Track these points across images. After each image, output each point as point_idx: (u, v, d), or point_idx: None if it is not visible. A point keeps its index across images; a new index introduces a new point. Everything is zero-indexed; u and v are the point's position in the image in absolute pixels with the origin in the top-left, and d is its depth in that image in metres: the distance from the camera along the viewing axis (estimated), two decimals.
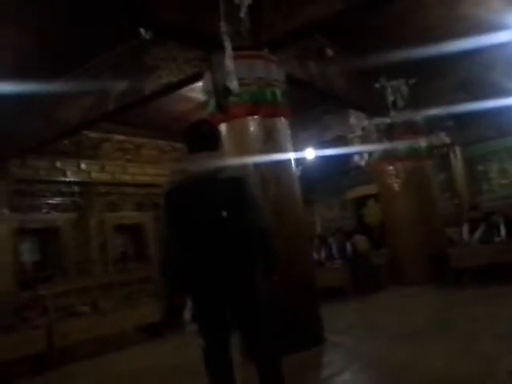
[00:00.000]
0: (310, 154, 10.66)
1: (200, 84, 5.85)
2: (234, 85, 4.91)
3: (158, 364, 5.69)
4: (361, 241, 9.89)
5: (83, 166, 9.39)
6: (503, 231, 7.91)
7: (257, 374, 2.73)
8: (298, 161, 6.80)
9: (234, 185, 2.68)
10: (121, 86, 6.42)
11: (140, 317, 7.32)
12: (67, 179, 9.12)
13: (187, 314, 3.32)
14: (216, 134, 2.97)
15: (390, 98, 8.72)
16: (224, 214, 2.63)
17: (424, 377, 3.42)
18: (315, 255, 8.88)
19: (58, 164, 8.96)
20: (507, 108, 8.79)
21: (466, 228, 8.41)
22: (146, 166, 10.60)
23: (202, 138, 2.82)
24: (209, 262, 2.62)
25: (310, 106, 8.83)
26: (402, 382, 3.36)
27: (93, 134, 9.39)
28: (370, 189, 11.19)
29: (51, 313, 6.79)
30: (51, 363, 6.09)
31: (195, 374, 4.41)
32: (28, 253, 8.92)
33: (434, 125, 9.40)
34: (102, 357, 6.41)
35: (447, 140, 9.71)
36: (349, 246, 9.32)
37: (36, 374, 5.86)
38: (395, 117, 8.88)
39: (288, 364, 2.80)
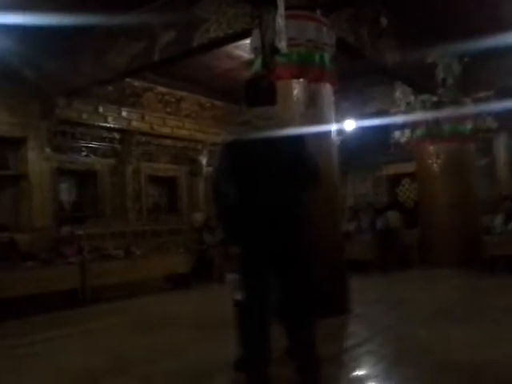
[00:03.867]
0: (349, 125, 10.49)
1: (246, 42, 5.78)
2: (282, 44, 4.82)
3: (185, 311, 5.86)
4: (394, 217, 9.73)
5: (124, 113, 9.49)
6: None
7: (288, 336, 2.71)
8: (338, 131, 6.72)
9: (295, 140, 2.75)
10: (168, 36, 6.41)
11: (169, 266, 7.53)
12: (108, 125, 9.25)
13: (227, 265, 3.42)
14: (275, 89, 2.99)
15: (441, 75, 8.44)
16: (285, 168, 2.67)
17: (446, 358, 3.38)
18: (345, 227, 8.88)
19: (101, 109, 9.08)
20: None
21: (500, 217, 8.23)
22: (185, 120, 10.64)
23: (263, 92, 2.86)
24: (266, 216, 2.63)
25: (354, 76, 8.62)
26: (424, 362, 3.34)
27: (136, 83, 9.46)
28: (408, 167, 10.99)
29: (85, 252, 7.06)
30: (83, 300, 6.37)
31: (223, 324, 4.59)
32: (66, 193, 9.18)
33: (481, 107, 9.07)
34: (131, 300, 6.66)
35: (494, 124, 9.37)
36: (380, 221, 9.26)
37: (68, 309, 6.13)
38: (443, 95, 8.61)
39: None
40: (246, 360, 2.77)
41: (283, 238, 2.66)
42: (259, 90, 2.88)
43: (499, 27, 6.29)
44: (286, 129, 2.74)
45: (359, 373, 3.21)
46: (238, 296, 3.31)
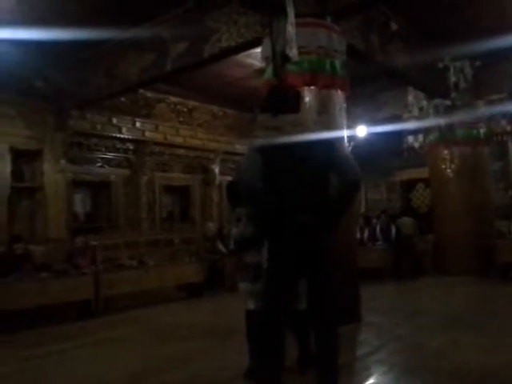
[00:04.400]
0: (361, 131, 10.45)
1: (257, 50, 5.81)
2: (293, 52, 4.83)
3: (197, 321, 5.87)
4: (407, 223, 9.62)
5: (138, 124, 9.59)
6: None
7: (315, 341, 2.71)
8: (350, 137, 6.69)
9: (327, 143, 2.78)
10: (180, 47, 6.48)
11: (182, 276, 7.54)
12: (122, 136, 9.35)
13: (239, 274, 3.41)
14: (300, 98, 3.03)
15: (453, 79, 8.38)
16: (317, 172, 2.70)
17: (457, 366, 3.38)
18: (358, 234, 8.81)
19: (115, 120, 9.20)
20: None
21: None
22: (198, 130, 10.72)
23: (289, 101, 2.90)
24: (297, 220, 2.63)
25: (366, 82, 8.61)
26: (435, 370, 3.33)
27: (149, 94, 9.57)
28: (421, 172, 10.89)
29: (99, 263, 7.11)
30: (96, 311, 6.39)
31: (234, 333, 4.59)
32: (80, 204, 9.28)
33: (494, 110, 8.97)
34: (143, 309, 6.68)
35: (508, 128, 9.26)
36: (393, 229, 9.18)
37: (81, 319, 6.16)
38: (456, 99, 8.54)
39: None
40: (261, 368, 2.76)
41: (313, 245, 2.67)
42: (286, 99, 2.91)
43: (510, 29, 6.23)
44: (315, 135, 2.78)
45: (370, 382, 3.20)
46: (251, 305, 3.30)
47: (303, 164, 2.67)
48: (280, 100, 2.93)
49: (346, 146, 5.63)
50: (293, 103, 2.90)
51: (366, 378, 3.28)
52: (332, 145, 2.81)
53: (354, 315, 5.09)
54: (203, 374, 3.55)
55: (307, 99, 5.21)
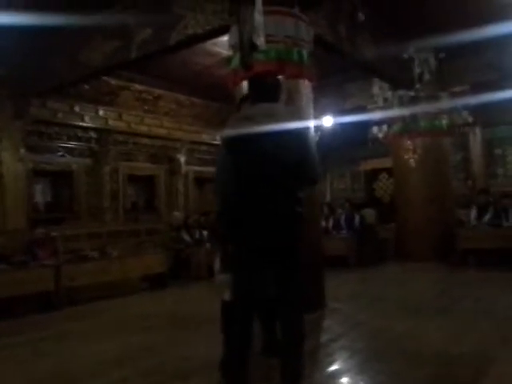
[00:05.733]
0: (327, 121, 10.53)
1: (225, 38, 5.73)
2: (260, 41, 4.77)
3: (163, 311, 5.81)
4: (369, 214, 9.92)
5: (101, 112, 9.36)
6: None
7: (282, 332, 2.75)
8: (316, 127, 6.72)
9: (298, 137, 2.73)
10: (145, 33, 6.32)
11: (146, 266, 7.44)
12: (84, 124, 9.11)
13: (217, 264, 3.39)
14: (280, 86, 2.98)
15: (417, 70, 8.52)
16: (285, 167, 2.67)
17: (420, 351, 3.45)
18: (323, 223, 8.91)
19: (77, 108, 8.95)
20: None
21: (474, 211, 8.37)
22: (163, 119, 10.56)
23: (267, 89, 2.86)
24: (264, 216, 2.65)
25: (332, 72, 8.65)
26: (398, 355, 3.40)
27: (113, 81, 9.33)
28: (385, 162, 11.10)
29: (60, 254, 6.93)
30: (58, 303, 6.23)
31: (201, 323, 4.56)
32: (41, 194, 9.01)
33: (457, 102, 9.19)
34: (107, 301, 6.56)
35: (469, 119, 9.52)
36: (357, 218, 9.34)
37: (42, 312, 5.99)
38: (420, 90, 8.69)
39: None
40: (230, 358, 2.75)
41: (281, 236, 2.68)
42: (264, 87, 2.87)
43: (475, 23, 6.36)
44: (289, 126, 2.70)
45: (333, 368, 3.24)
46: (227, 296, 3.29)
47: (271, 156, 2.63)
48: (258, 87, 2.89)
49: (314, 136, 5.65)
50: (271, 91, 2.85)
51: (330, 364, 3.32)
52: (303, 138, 2.76)
53: (318, 302, 5.15)
54: (168, 365, 3.51)
55: None
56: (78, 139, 9.20)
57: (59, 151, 8.94)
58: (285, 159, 2.65)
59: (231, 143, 2.73)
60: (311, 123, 5.46)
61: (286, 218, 2.67)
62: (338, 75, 9.35)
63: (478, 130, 10.91)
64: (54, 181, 9.21)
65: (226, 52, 6.12)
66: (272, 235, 2.65)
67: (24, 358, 4.07)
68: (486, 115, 10.30)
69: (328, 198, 13.02)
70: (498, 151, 11.06)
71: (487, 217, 8.10)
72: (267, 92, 2.84)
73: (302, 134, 2.77)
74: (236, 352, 2.71)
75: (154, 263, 7.56)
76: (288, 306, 2.74)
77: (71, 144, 9.11)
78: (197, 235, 8.74)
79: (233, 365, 2.73)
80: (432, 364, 3.15)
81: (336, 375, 3.08)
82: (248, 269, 2.72)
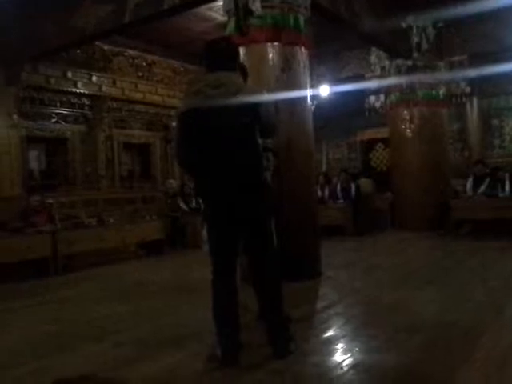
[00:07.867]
0: (324, 90, 10.43)
1: (220, 3, 5.61)
2: (256, 6, 4.69)
3: (159, 278, 5.87)
4: (366, 184, 9.94)
5: (94, 78, 9.21)
6: (508, 187, 7.92)
7: (257, 296, 2.83)
8: (312, 96, 6.65)
9: (250, 110, 2.66)
10: None
11: (142, 233, 7.48)
12: (78, 90, 8.97)
13: (204, 234, 3.42)
14: (234, 52, 2.89)
15: (415, 40, 8.38)
16: (238, 138, 2.67)
17: (413, 319, 3.50)
18: (319, 192, 8.93)
19: (70, 74, 8.79)
20: None
21: (470, 181, 8.40)
22: (158, 86, 10.42)
23: (220, 55, 2.74)
24: (223, 182, 2.68)
25: (329, 40, 8.50)
26: (392, 322, 3.45)
27: (106, 47, 9.18)
28: (381, 132, 11.04)
29: (57, 221, 6.95)
30: (55, 269, 6.29)
31: (197, 290, 4.62)
32: (35, 160, 8.96)
33: (455, 72, 9.11)
34: (104, 268, 6.62)
35: (467, 89, 9.45)
36: (353, 187, 9.36)
37: (40, 278, 6.04)
38: (417, 59, 8.59)
39: (284, 292, 2.88)
40: (217, 327, 2.79)
41: (241, 201, 2.69)
42: (217, 53, 2.75)
43: None
44: (239, 95, 2.62)
45: (328, 334, 3.29)
46: (205, 249, 3.34)
47: (220, 128, 2.63)
48: (211, 55, 2.76)
49: (310, 104, 5.61)
50: (224, 58, 2.72)
51: (325, 330, 3.37)
52: (256, 110, 2.66)
53: (315, 271, 5.21)
54: (166, 331, 3.56)
55: (270, 55, 5.13)
56: (72, 105, 9.08)
57: (53, 118, 8.84)
58: (234, 128, 2.64)
59: (184, 118, 2.71)
60: (307, 91, 5.41)
61: (246, 169, 2.68)
62: (334, 43, 9.21)
63: (475, 101, 10.84)
64: (48, 148, 9.14)
65: (221, 17, 6.01)
66: (234, 186, 2.67)
67: (23, 322, 4.12)
68: (483, 86, 10.23)
69: (324, 167, 13.02)
70: (494, 122, 11.02)
71: (483, 187, 8.13)
72: (221, 59, 2.71)
73: (255, 106, 2.67)
74: (219, 303, 2.76)
75: (151, 230, 7.61)
76: (262, 273, 2.80)
77: (65, 110, 8.99)
78: (193, 203, 8.77)
79: (221, 332, 2.77)
80: (425, 331, 3.20)
81: (331, 341, 3.13)
82: (216, 224, 2.77)
